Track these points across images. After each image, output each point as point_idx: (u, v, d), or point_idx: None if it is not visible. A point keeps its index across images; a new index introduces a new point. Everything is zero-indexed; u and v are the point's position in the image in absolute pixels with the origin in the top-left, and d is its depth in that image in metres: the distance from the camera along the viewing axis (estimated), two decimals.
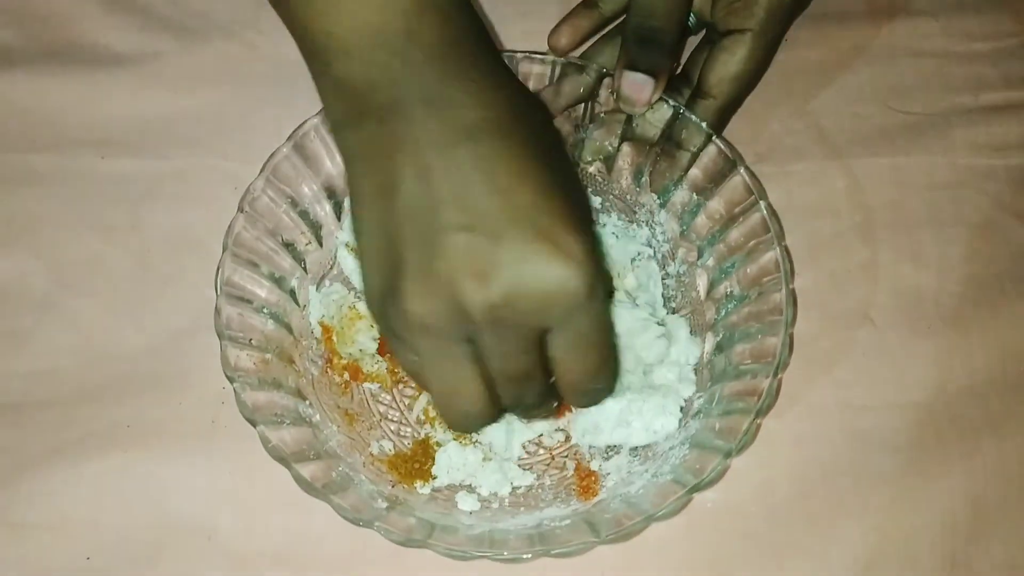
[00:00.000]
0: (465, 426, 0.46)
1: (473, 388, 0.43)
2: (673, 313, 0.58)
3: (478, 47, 0.43)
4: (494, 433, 0.55)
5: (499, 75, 0.43)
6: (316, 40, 0.41)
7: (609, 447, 0.55)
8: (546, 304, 0.40)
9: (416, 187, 0.40)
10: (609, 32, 0.62)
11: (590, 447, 0.55)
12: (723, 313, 0.55)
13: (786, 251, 0.53)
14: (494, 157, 0.40)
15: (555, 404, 0.48)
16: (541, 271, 0.39)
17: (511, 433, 0.55)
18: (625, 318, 0.55)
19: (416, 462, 0.54)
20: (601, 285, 0.41)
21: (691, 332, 0.57)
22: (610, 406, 0.54)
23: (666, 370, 0.55)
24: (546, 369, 0.44)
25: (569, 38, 0.61)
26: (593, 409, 0.54)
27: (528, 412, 0.48)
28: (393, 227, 0.40)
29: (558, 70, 0.57)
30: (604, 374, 0.45)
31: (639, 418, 0.54)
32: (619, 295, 0.58)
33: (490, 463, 0.54)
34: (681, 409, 0.54)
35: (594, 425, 0.54)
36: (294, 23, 0.43)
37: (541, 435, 0.56)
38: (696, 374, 0.56)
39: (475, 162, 0.40)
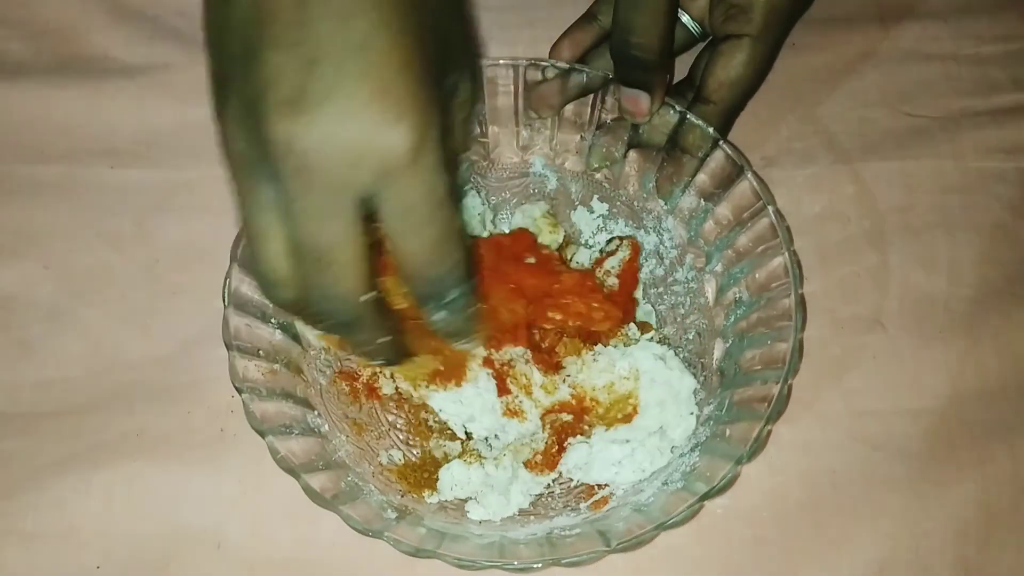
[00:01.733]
0: (268, 292, 0.41)
1: (270, 246, 0.39)
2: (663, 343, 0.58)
3: None
4: (498, 479, 0.54)
5: None
6: None
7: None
8: (354, 157, 0.36)
9: None
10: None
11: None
12: (732, 319, 0.55)
13: (795, 256, 0.52)
14: None
15: (385, 340, 0.43)
16: (354, 116, 0.35)
17: (515, 482, 0.54)
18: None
19: (425, 471, 0.54)
20: (430, 143, 0.37)
21: (685, 364, 0.56)
22: (612, 451, 0.53)
23: (688, 427, 0.54)
24: (361, 268, 0.39)
25: (570, 52, 0.61)
26: (589, 450, 0.53)
27: (337, 327, 0.42)
28: (224, 35, 0.38)
29: (563, 77, 0.57)
30: (443, 255, 0.40)
31: (631, 460, 0.53)
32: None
33: (494, 485, 0.54)
34: (672, 449, 0.54)
35: (585, 463, 0.54)
36: None
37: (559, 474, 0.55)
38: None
39: None
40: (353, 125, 0.35)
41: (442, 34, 0.40)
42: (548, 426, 0.53)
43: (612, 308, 0.55)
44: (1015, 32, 0.67)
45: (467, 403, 0.54)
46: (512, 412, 0.54)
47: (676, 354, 0.55)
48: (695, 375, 0.56)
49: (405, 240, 0.39)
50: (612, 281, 0.57)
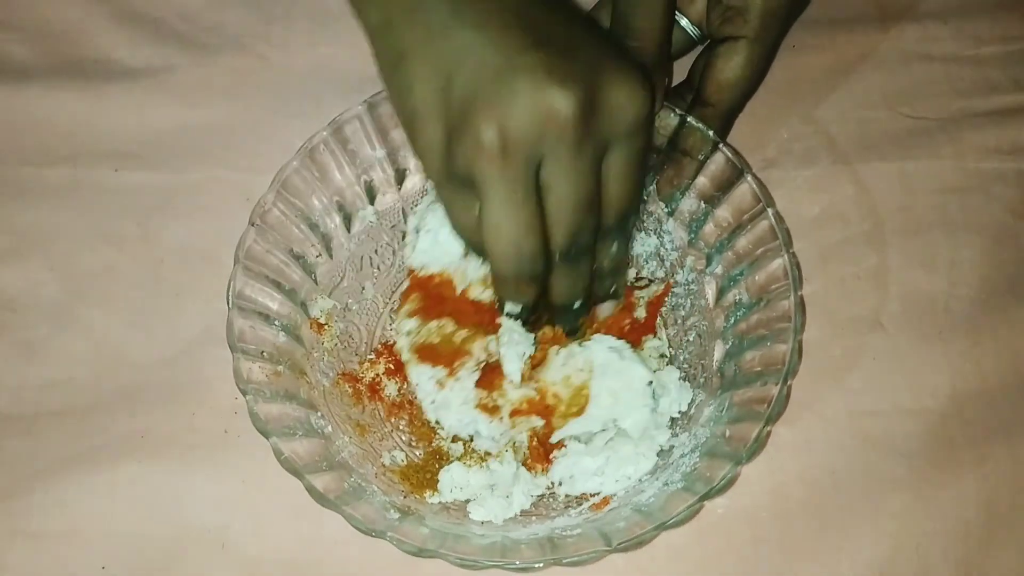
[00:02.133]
0: (514, 266, 0.45)
1: (529, 215, 0.43)
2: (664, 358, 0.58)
3: None
4: (502, 475, 0.54)
5: None
6: None
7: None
8: (624, 114, 0.42)
9: (476, 21, 0.42)
10: None
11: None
12: (732, 321, 0.55)
13: (794, 258, 0.53)
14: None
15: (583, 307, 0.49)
16: (623, 76, 0.42)
17: (518, 482, 0.54)
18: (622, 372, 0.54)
19: (427, 472, 0.54)
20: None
21: (682, 379, 0.56)
22: (587, 462, 0.53)
23: (640, 417, 0.54)
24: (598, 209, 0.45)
25: None
26: (569, 461, 0.54)
27: (575, 268, 0.47)
28: (452, 65, 0.42)
29: None
30: (635, 203, 0.47)
31: (614, 468, 0.53)
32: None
33: (495, 488, 0.54)
34: (658, 453, 0.54)
35: (570, 476, 0.54)
36: None
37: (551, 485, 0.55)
38: (680, 420, 0.55)
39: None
40: (621, 85, 0.42)
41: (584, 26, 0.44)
42: (517, 427, 0.54)
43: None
44: (1015, 33, 0.67)
45: (447, 387, 0.54)
46: (486, 408, 0.54)
47: (638, 352, 0.55)
48: (695, 376, 0.56)
49: (621, 183, 0.45)
50: (640, 312, 0.58)
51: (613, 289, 0.52)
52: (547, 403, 0.53)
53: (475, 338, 0.53)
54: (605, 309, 0.53)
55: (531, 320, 0.50)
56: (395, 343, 0.55)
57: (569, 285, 0.48)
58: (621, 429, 0.53)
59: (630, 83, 0.42)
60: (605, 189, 0.45)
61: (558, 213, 0.44)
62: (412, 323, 0.54)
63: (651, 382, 0.53)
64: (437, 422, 0.55)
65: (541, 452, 0.54)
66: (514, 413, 0.53)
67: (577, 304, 0.49)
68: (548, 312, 0.50)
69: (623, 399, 0.53)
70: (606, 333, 0.55)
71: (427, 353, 0.53)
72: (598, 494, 0.54)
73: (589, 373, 0.53)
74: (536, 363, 0.54)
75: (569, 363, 0.53)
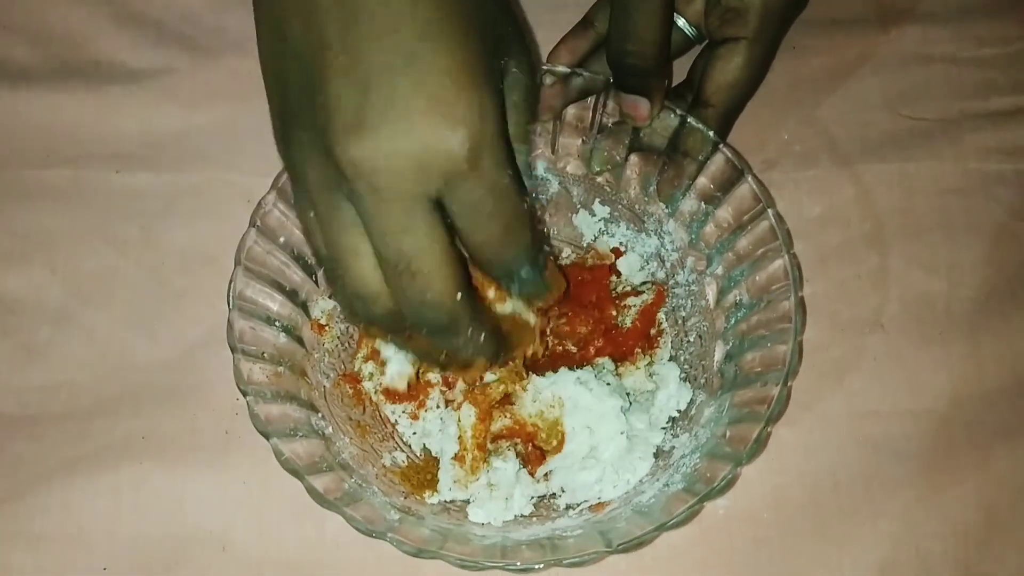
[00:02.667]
0: (356, 311, 0.42)
1: (359, 263, 0.40)
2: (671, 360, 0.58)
3: None
4: (504, 474, 0.54)
5: None
6: None
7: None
8: (418, 167, 0.37)
9: (301, 29, 0.38)
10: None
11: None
12: (732, 321, 0.55)
13: (795, 259, 0.53)
14: None
15: (486, 346, 0.44)
16: (413, 127, 0.37)
17: (519, 482, 0.54)
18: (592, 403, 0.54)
19: (428, 472, 0.54)
20: (490, 142, 0.38)
21: (682, 378, 0.56)
22: (583, 476, 0.53)
23: (635, 420, 0.55)
24: (450, 269, 0.40)
25: (567, 59, 0.61)
26: (566, 475, 0.54)
27: (437, 336, 0.42)
28: (282, 73, 0.39)
29: (563, 81, 0.58)
30: (511, 244, 0.42)
31: (611, 475, 0.53)
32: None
33: (494, 490, 0.54)
34: (656, 454, 0.54)
35: (571, 488, 0.54)
36: None
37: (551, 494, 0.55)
38: (681, 421, 0.56)
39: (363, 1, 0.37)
40: (414, 137, 0.37)
41: (485, 22, 0.40)
42: (500, 452, 0.54)
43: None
44: (1015, 34, 0.67)
45: (421, 418, 0.55)
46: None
47: (605, 376, 0.55)
48: (695, 377, 0.56)
49: (476, 233, 0.40)
50: (626, 320, 0.58)
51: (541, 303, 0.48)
52: (528, 431, 0.54)
53: (430, 369, 0.54)
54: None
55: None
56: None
57: (449, 354, 0.45)
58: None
59: (429, 140, 0.37)
60: (464, 241, 0.41)
61: (382, 268, 0.40)
62: (369, 367, 0.55)
63: (624, 407, 0.53)
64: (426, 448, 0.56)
65: (537, 456, 0.54)
66: (496, 438, 0.54)
67: (483, 364, 0.46)
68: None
69: (598, 431, 0.53)
70: (583, 346, 0.56)
71: (391, 392, 0.54)
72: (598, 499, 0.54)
73: (560, 408, 0.53)
74: (505, 400, 0.54)
75: (539, 399, 0.53)
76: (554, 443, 0.53)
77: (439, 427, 0.55)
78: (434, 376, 0.55)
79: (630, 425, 0.54)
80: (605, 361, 0.57)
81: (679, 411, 0.55)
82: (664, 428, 0.55)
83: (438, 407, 0.56)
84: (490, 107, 0.38)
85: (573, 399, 0.53)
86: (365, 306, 0.42)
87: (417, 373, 0.55)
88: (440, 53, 0.37)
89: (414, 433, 0.56)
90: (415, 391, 0.55)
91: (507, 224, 0.41)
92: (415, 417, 0.56)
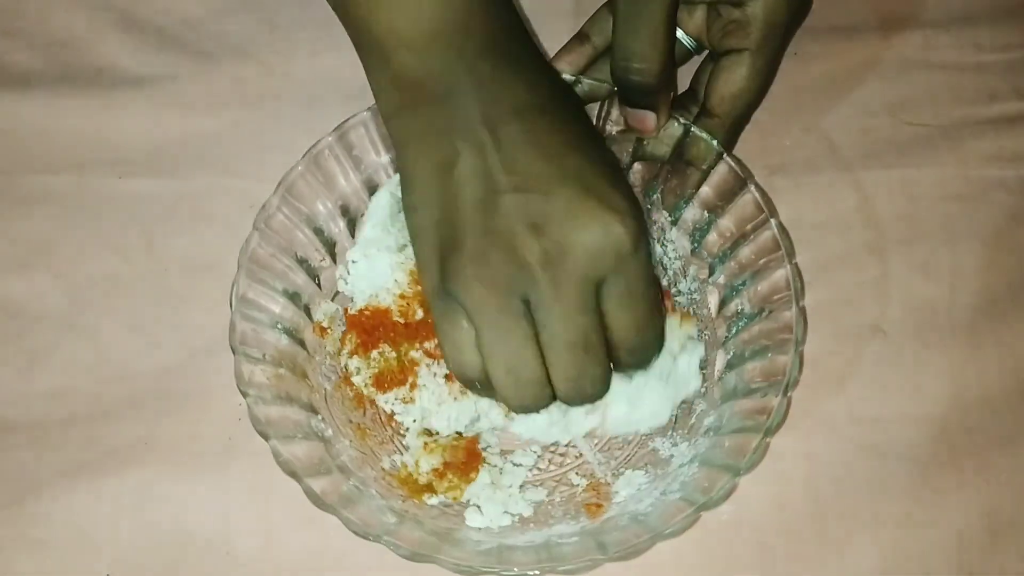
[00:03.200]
0: (522, 399, 0.47)
1: (530, 352, 0.45)
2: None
3: (523, 39, 0.48)
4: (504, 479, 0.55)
5: (540, 63, 0.49)
6: (376, 35, 0.46)
7: (621, 464, 0.56)
8: (597, 253, 0.43)
9: (472, 158, 0.44)
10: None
11: (599, 463, 0.56)
12: (734, 331, 0.55)
13: (797, 269, 0.53)
14: (541, 130, 0.45)
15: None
16: (590, 222, 0.43)
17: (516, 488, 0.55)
18: None
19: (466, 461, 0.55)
20: (645, 236, 0.45)
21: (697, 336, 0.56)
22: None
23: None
24: (605, 347, 0.46)
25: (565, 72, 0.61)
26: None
27: (586, 398, 0.48)
28: (451, 196, 0.45)
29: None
30: (652, 326, 0.48)
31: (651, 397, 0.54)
32: None
33: (495, 490, 0.54)
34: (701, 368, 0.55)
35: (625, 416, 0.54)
36: (353, 20, 0.47)
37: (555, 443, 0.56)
38: (680, 428, 0.55)
39: (525, 135, 0.44)
40: (589, 232, 0.43)
41: (611, 157, 0.50)
42: None
43: None
44: (1016, 41, 0.67)
45: (416, 400, 0.54)
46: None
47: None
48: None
49: (625, 312, 0.46)
50: None
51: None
52: None
53: (411, 348, 0.54)
54: None
55: None
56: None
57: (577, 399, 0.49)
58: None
59: (603, 229, 0.43)
60: (607, 317, 0.46)
61: (554, 353, 0.45)
62: (355, 362, 0.55)
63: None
64: (430, 431, 0.56)
65: None
66: None
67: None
68: None
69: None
70: None
71: (380, 382, 0.54)
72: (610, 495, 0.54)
73: None
74: None
75: None
76: None
77: (437, 402, 0.54)
78: (416, 352, 0.54)
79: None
80: None
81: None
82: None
83: (429, 383, 0.54)
84: (640, 209, 0.46)
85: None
86: (537, 393, 0.47)
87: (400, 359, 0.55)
88: (600, 169, 0.45)
89: (414, 421, 0.55)
90: (403, 373, 0.54)
91: (650, 308, 0.47)
92: (409, 401, 0.54)
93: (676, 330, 0.54)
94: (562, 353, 0.45)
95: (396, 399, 0.54)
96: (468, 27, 0.45)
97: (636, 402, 0.53)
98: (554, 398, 0.47)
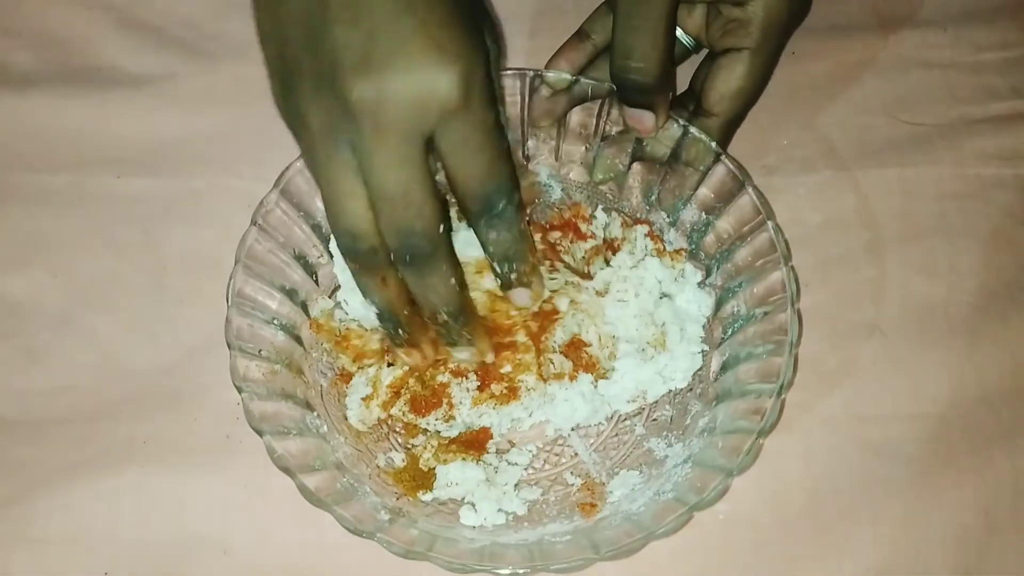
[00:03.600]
0: (349, 248, 0.46)
1: (355, 204, 0.44)
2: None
3: None
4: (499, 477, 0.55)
5: None
6: None
7: (616, 464, 0.56)
8: (418, 104, 0.41)
9: None
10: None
11: (595, 463, 0.56)
12: (730, 332, 0.56)
13: (793, 271, 0.53)
14: None
15: (451, 290, 0.48)
16: (414, 68, 0.41)
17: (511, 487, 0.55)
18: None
19: (421, 472, 0.54)
20: (480, 82, 0.43)
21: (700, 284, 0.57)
22: (646, 368, 0.54)
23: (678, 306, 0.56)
24: (436, 203, 0.44)
25: (565, 70, 0.61)
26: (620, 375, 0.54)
27: (410, 250, 0.46)
28: (284, 25, 0.43)
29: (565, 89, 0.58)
30: (493, 176, 0.46)
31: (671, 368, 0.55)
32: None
33: (490, 488, 0.54)
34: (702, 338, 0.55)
35: (636, 388, 0.55)
36: None
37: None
38: (675, 429, 0.56)
39: None
40: (414, 77, 0.41)
41: None
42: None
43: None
44: (1013, 40, 0.67)
45: (459, 417, 0.55)
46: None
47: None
48: (691, 387, 0.57)
49: (463, 166, 0.45)
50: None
51: (515, 276, 0.51)
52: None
53: (436, 373, 0.54)
54: (519, 298, 0.52)
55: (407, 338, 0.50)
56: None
57: (420, 291, 0.48)
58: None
59: (427, 77, 0.41)
60: (445, 167, 0.45)
61: (376, 204, 0.44)
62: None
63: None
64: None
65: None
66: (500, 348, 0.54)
67: (446, 315, 0.49)
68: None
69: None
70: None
71: (417, 407, 0.54)
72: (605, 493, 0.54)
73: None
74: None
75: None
76: (607, 351, 0.55)
77: (478, 415, 0.55)
78: (443, 376, 0.55)
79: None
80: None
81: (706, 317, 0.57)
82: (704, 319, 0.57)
83: (464, 399, 0.55)
84: (480, 53, 0.43)
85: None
86: (354, 242, 0.45)
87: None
88: (440, 6, 0.42)
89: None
90: (436, 396, 0.54)
91: (492, 158, 0.45)
92: (450, 418, 0.55)
93: (667, 269, 0.55)
94: (382, 206, 0.44)
95: (436, 419, 0.55)
96: None
97: (668, 363, 0.54)
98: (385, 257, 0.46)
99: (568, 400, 0.54)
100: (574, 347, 0.55)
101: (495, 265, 0.50)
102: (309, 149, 0.44)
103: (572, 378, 0.54)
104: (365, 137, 0.42)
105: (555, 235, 0.57)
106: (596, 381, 0.55)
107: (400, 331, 0.50)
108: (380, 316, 0.50)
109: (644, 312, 0.55)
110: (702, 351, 0.55)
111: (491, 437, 0.55)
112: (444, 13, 0.42)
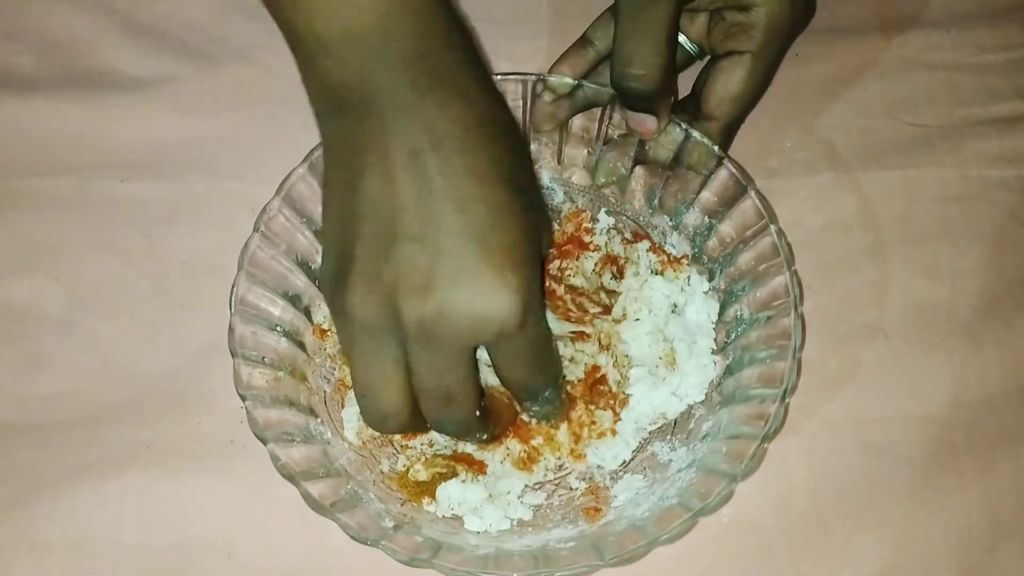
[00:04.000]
0: (377, 424, 0.47)
1: (390, 390, 0.45)
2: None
3: (455, 54, 0.44)
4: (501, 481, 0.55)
5: (473, 87, 0.44)
6: (299, 36, 0.43)
7: (618, 468, 0.56)
8: (476, 328, 0.42)
9: (378, 189, 0.42)
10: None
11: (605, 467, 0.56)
12: (733, 336, 0.56)
13: (796, 275, 0.53)
14: (456, 172, 0.42)
15: (483, 435, 0.51)
16: (476, 295, 0.42)
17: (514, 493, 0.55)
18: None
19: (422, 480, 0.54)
20: (535, 315, 0.44)
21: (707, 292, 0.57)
22: (660, 390, 0.55)
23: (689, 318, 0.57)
24: (476, 396, 0.47)
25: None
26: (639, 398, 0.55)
27: (451, 435, 0.51)
28: (351, 221, 0.43)
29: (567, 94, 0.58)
30: (541, 380, 0.49)
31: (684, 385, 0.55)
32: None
33: (493, 504, 0.54)
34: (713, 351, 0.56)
35: (653, 411, 0.55)
36: (280, 18, 0.44)
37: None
38: (679, 433, 0.56)
39: (437, 174, 0.42)
40: (474, 305, 0.42)
41: (534, 207, 0.45)
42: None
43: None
44: (1016, 41, 0.67)
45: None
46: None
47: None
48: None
49: (514, 374, 0.48)
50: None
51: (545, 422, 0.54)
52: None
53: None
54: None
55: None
56: None
57: (439, 429, 0.50)
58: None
59: (486, 306, 0.42)
60: (501, 375, 0.48)
61: (420, 396, 0.46)
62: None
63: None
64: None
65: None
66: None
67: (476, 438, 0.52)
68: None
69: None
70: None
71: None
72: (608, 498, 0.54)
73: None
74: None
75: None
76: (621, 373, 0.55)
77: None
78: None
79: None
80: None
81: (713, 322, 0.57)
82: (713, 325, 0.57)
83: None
84: (536, 279, 0.44)
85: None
86: (383, 422, 0.47)
87: None
88: (503, 230, 0.42)
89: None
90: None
91: (541, 366, 0.48)
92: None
93: (672, 283, 0.56)
94: (425, 400, 0.46)
95: (422, 444, 0.56)
96: (387, 31, 0.41)
97: (681, 381, 0.55)
98: (416, 429, 0.48)
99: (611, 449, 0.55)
100: (595, 383, 0.55)
101: (530, 418, 0.54)
102: (349, 336, 0.44)
103: (613, 433, 0.55)
104: (416, 347, 0.43)
105: (561, 263, 0.58)
106: (619, 413, 0.55)
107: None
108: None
109: (656, 329, 0.55)
110: (713, 361, 0.56)
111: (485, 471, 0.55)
112: (510, 238, 0.42)
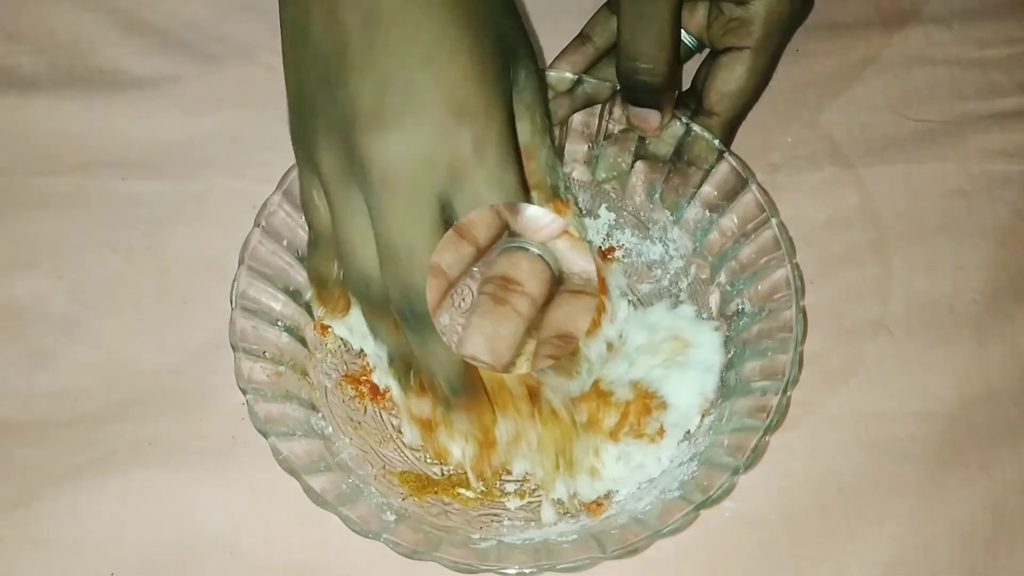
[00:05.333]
0: (362, 289, 0.45)
1: (367, 245, 0.43)
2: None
3: None
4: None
5: None
6: None
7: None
8: (430, 161, 0.40)
9: (325, 28, 0.41)
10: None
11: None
12: (735, 330, 0.56)
13: (797, 269, 0.53)
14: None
15: (459, 382, 0.47)
16: (424, 124, 0.40)
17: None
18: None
19: (426, 474, 0.54)
20: (496, 147, 0.42)
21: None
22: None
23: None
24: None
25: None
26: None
27: (415, 326, 0.44)
28: (305, 67, 0.42)
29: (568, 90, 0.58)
30: None
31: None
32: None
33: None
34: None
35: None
36: None
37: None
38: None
39: (383, 3, 0.40)
40: (424, 134, 0.40)
41: (495, 30, 0.43)
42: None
43: None
44: (1018, 36, 0.67)
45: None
46: None
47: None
48: None
49: None
50: None
51: None
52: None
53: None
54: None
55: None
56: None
57: (419, 354, 0.46)
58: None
59: (439, 135, 0.40)
60: None
61: (379, 258, 0.43)
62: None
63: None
64: None
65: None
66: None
67: (444, 383, 0.47)
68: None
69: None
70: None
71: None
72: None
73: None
74: None
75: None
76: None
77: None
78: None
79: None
80: None
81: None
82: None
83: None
84: (497, 107, 0.42)
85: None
86: (366, 286, 0.45)
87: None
88: (453, 57, 0.40)
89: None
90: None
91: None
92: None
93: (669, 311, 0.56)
94: (386, 259, 0.43)
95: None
96: None
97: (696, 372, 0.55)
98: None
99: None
100: (601, 396, 0.54)
101: None
102: (312, 187, 0.44)
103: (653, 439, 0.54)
104: (374, 190, 0.41)
105: None
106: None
107: (410, 377, 0.50)
108: (390, 360, 0.50)
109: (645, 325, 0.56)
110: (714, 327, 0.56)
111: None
112: (463, 63, 0.41)
